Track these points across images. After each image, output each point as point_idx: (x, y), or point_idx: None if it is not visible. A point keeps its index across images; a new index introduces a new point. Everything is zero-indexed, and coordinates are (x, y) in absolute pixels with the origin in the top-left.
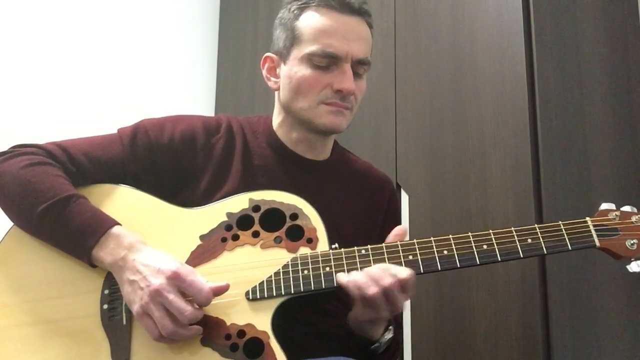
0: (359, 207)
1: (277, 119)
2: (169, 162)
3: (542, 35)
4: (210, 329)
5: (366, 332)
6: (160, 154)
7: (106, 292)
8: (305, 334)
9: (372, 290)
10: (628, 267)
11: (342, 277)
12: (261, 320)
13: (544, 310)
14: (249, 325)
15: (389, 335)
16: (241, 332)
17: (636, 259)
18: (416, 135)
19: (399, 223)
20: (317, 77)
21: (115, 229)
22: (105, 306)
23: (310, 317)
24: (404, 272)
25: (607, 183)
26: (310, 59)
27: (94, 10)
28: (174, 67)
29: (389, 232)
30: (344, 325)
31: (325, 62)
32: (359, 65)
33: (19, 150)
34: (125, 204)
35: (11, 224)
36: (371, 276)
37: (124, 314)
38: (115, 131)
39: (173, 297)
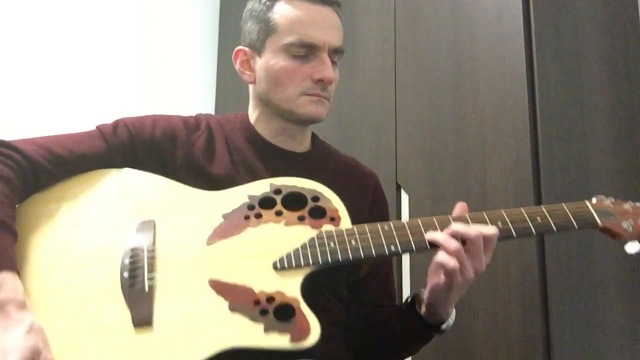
0: (343, 200)
1: (253, 112)
2: (151, 156)
3: (542, 35)
4: (238, 297)
5: (442, 307)
6: (141, 147)
7: (127, 261)
8: None
9: (454, 244)
10: (625, 247)
11: (432, 234)
12: (290, 287)
13: (544, 311)
14: (278, 292)
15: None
16: (270, 299)
17: (632, 240)
18: (416, 135)
19: (386, 217)
20: (296, 68)
21: (4, 275)
22: (126, 274)
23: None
24: (490, 229)
25: (606, 182)
26: (287, 50)
27: (94, 9)
28: (174, 67)
29: None
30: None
31: (304, 51)
32: (334, 54)
33: None
34: (145, 185)
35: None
36: (454, 231)
37: (145, 282)
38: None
39: None
